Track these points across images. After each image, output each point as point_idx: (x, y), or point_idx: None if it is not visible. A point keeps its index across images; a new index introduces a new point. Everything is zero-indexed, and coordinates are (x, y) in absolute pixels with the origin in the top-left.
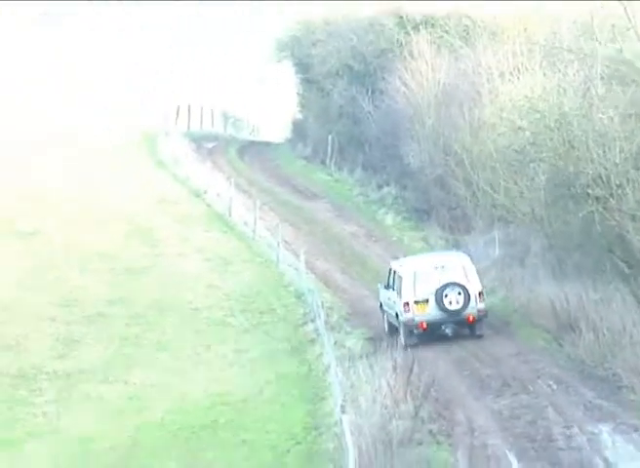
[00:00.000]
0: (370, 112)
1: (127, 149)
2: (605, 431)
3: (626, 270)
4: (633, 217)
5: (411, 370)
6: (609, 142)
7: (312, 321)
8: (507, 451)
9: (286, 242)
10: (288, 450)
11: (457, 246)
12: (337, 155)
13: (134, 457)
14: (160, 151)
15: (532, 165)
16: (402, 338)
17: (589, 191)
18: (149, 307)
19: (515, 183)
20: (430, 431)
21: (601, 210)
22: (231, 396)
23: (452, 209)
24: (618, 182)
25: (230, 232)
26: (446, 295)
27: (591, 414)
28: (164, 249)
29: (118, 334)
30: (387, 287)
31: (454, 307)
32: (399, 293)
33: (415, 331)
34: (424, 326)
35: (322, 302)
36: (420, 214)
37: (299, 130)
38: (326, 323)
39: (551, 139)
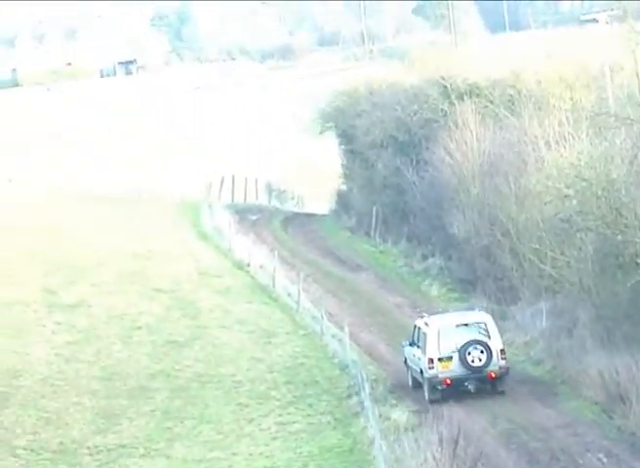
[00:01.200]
0: (414, 183)
1: (170, 219)
2: None
3: None
4: None
5: (456, 443)
6: None
7: (357, 393)
8: None
9: (330, 314)
10: None
11: (503, 317)
12: (381, 226)
13: None
14: (203, 223)
15: (579, 234)
16: (426, 394)
17: (638, 261)
18: (191, 380)
19: (562, 253)
20: None
21: None
22: None
23: (498, 279)
24: None
25: (273, 304)
26: (469, 353)
27: None
28: (206, 321)
29: (160, 408)
30: (412, 344)
31: (476, 364)
32: (423, 351)
33: (438, 387)
34: (448, 382)
35: (366, 374)
36: (466, 284)
37: (343, 201)
38: (370, 395)
39: (599, 207)
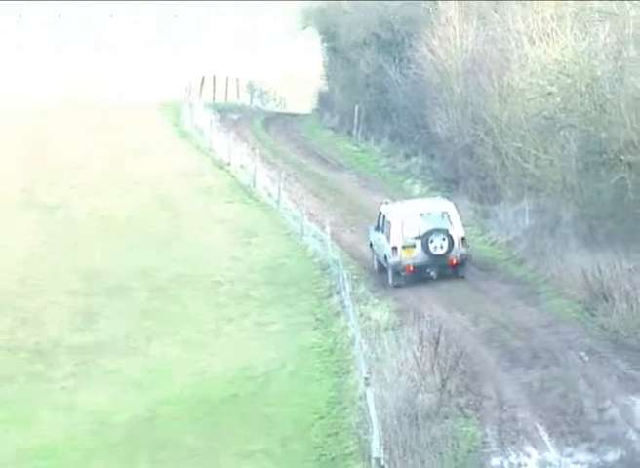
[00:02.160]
0: (397, 81)
1: (150, 120)
2: (639, 403)
3: None
4: None
5: (437, 342)
6: None
7: (337, 293)
8: (537, 425)
9: (311, 213)
10: (311, 425)
11: (486, 216)
12: (363, 125)
13: (151, 432)
14: (183, 122)
15: (562, 132)
16: (390, 279)
17: (622, 157)
18: (171, 280)
19: (545, 152)
20: (458, 405)
21: (634, 176)
22: (253, 370)
23: (480, 178)
24: None
25: (254, 204)
26: (431, 241)
27: (625, 386)
28: (186, 221)
29: (139, 307)
30: (377, 229)
31: (438, 252)
32: (388, 238)
33: (402, 273)
34: (411, 268)
35: (348, 274)
36: (448, 183)
37: (325, 101)
38: (351, 295)
39: (582, 104)
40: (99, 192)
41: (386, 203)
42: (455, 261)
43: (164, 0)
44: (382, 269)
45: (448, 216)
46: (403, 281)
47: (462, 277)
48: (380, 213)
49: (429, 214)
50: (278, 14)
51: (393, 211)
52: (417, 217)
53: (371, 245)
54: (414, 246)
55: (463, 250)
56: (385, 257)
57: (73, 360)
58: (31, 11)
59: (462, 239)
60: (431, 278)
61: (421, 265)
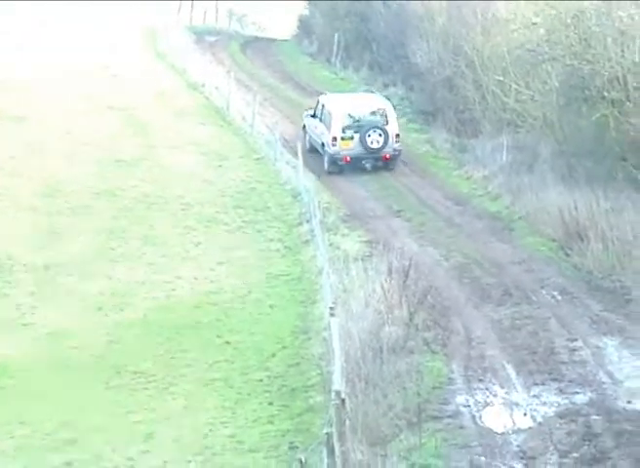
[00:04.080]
0: (379, 10)
1: (126, 42)
2: (611, 345)
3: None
4: None
5: (407, 275)
6: (628, 41)
7: (308, 221)
8: (506, 363)
9: (285, 139)
10: (273, 354)
11: (463, 149)
12: (342, 53)
13: (109, 356)
14: (159, 44)
15: (545, 66)
16: (326, 166)
17: (605, 93)
18: (138, 201)
19: (527, 86)
20: (425, 339)
21: (616, 113)
22: (218, 295)
23: (459, 111)
24: (635, 84)
25: (227, 127)
26: (369, 135)
27: (597, 327)
28: (157, 141)
29: (103, 228)
30: (314, 116)
31: (374, 146)
32: (328, 128)
33: (339, 163)
34: (348, 159)
35: (319, 202)
36: (426, 115)
37: (305, 26)
38: (322, 223)
39: (567, 37)
40: (68, 111)
41: (324, 94)
42: (388, 156)
43: None
44: (313, 150)
45: (385, 114)
46: (338, 169)
47: (392, 169)
48: (319, 102)
49: (369, 109)
50: None
51: (334, 103)
52: (357, 112)
53: (304, 127)
54: (352, 138)
55: (397, 145)
56: (323, 145)
57: (32, 279)
58: None
59: (397, 136)
60: (365, 169)
61: (358, 157)
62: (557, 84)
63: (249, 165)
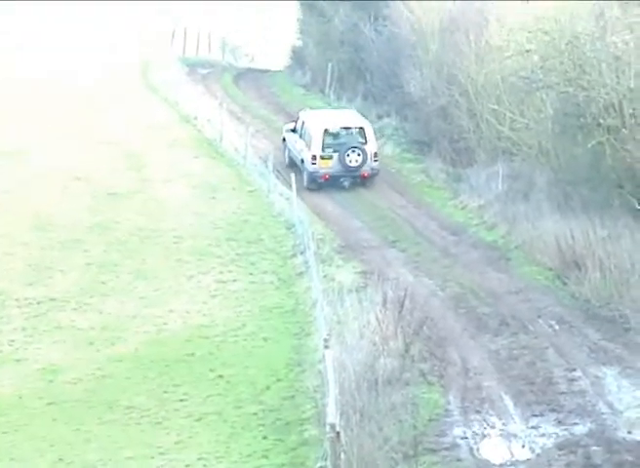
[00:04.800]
0: (372, 39)
1: (119, 74)
2: (610, 375)
3: (637, 206)
4: None
5: (402, 305)
6: (623, 66)
7: (302, 253)
8: (503, 394)
9: (278, 171)
10: (267, 387)
11: (458, 179)
12: (336, 84)
13: (101, 390)
14: (152, 75)
15: (539, 93)
16: (305, 183)
17: (600, 120)
18: (130, 234)
19: (521, 114)
20: (421, 371)
21: (612, 141)
22: (211, 329)
23: (454, 141)
24: (631, 110)
25: (220, 159)
26: (348, 155)
27: (596, 357)
28: (149, 174)
29: (95, 262)
30: (294, 131)
31: (353, 165)
32: (308, 146)
33: (318, 180)
34: (327, 177)
35: (313, 234)
36: (421, 145)
37: (298, 57)
38: (316, 255)
39: (561, 63)
40: (61, 144)
41: (305, 110)
42: (366, 174)
43: None
44: (293, 164)
45: (364, 132)
46: (317, 186)
47: (370, 186)
48: (300, 118)
49: (348, 128)
50: None
51: (315, 121)
52: (336, 131)
53: (284, 140)
54: (331, 157)
55: (375, 164)
56: (302, 161)
57: (24, 314)
58: None
59: (375, 154)
60: (343, 187)
61: (337, 175)
62: (552, 111)
63: (242, 197)
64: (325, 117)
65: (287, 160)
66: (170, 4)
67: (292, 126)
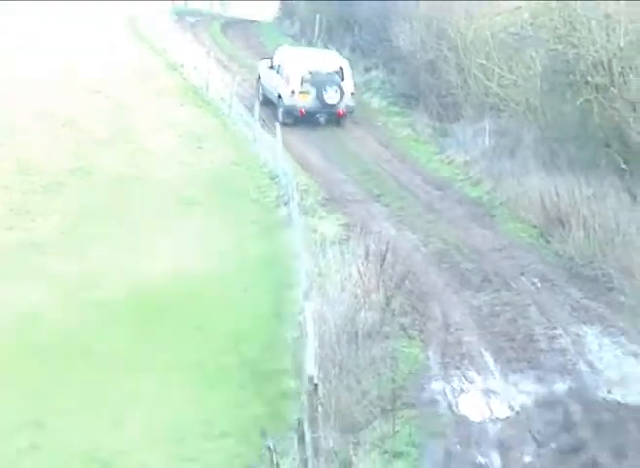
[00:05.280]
0: None
1: (106, 22)
2: (591, 334)
3: (623, 165)
4: (634, 107)
5: (384, 259)
6: (613, 24)
7: (285, 204)
8: (483, 350)
9: (263, 120)
10: (246, 338)
11: (444, 134)
12: (324, 35)
13: (75, 336)
14: (139, 24)
15: (529, 50)
16: (280, 117)
17: (589, 78)
18: (114, 180)
19: (510, 71)
20: (401, 325)
21: (600, 99)
22: (191, 278)
23: (441, 96)
24: (620, 69)
25: (206, 107)
26: (326, 91)
27: (577, 315)
28: (135, 122)
29: (77, 207)
30: (271, 67)
31: (330, 102)
32: (286, 81)
33: (294, 114)
34: (303, 112)
35: (297, 185)
36: (408, 99)
37: (287, 8)
38: (299, 206)
39: (551, 20)
40: (46, 92)
41: (282, 46)
42: (342, 112)
43: None
44: (268, 102)
45: (342, 71)
46: (292, 121)
47: (343, 124)
48: (277, 54)
49: (327, 65)
50: None
51: (293, 57)
52: (316, 67)
53: (259, 78)
54: (309, 92)
55: (351, 103)
56: (279, 96)
57: (2, 258)
58: None
59: (352, 93)
60: (319, 123)
61: (313, 111)
62: (541, 69)
63: (228, 146)
64: (304, 54)
65: (261, 97)
66: None
67: (267, 63)
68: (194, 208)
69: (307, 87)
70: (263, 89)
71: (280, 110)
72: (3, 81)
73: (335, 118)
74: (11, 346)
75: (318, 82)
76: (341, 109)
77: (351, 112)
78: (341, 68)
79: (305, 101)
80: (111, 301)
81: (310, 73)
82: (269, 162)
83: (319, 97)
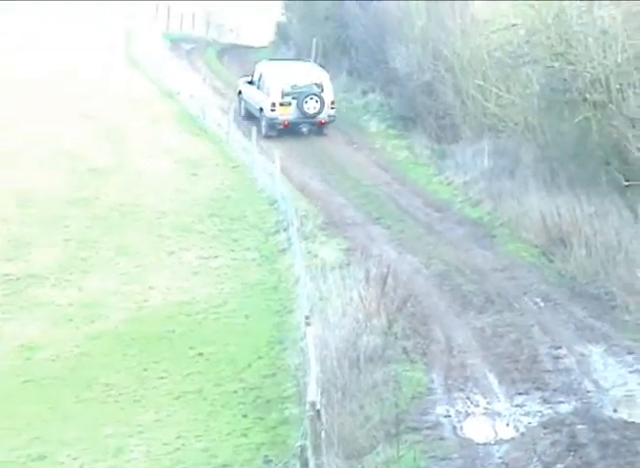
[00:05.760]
0: (357, 15)
1: (100, 49)
2: (596, 353)
3: (623, 182)
4: (633, 124)
5: (385, 282)
6: (610, 41)
7: (285, 230)
8: (488, 372)
9: (261, 146)
10: (248, 365)
11: (443, 155)
12: (321, 59)
13: (80, 368)
14: (134, 50)
15: (525, 69)
16: (263, 130)
17: (587, 96)
18: (111, 209)
19: (507, 90)
20: (404, 348)
21: (599, 116)
22: (192, 306)
23: (439, 117)
24: (618, 85)
25: (203, 135)
26: (306, 102)
27: (581, 335)
28: (131, 149)
29: (75, 237)
30: (251, 83)
31: (311, 112)
32: (267, 94)
33: (277, 127)
34: (286, 123)
35: (296, 210)
36: (406, 121)
37: (282, 33)
38: (299, 231)
39: (548, 38)
40: (42, 118)
41: (262, 62)
42: (323, 121)
43: None
44: (250, 117)
45: (321, 82)
46: (276, 133)
47: (325, 134)
48: (258, 70)
49: (306, 77)
50: None
51: (273, 70)
52: (295, 80)
53: (240, 93)
54: (290, 104)
55: (331, 112)
56: (261, 110)
57: (2, 290)
58: None
59: (332, 102)
60: (302, 133)
61: (295, 122)
62: (538, 87)
63: (225, 173)
64: (283, 67)
65: (243, 112)
66: None
67: (247, 79)
68: (192, 235)
69: (288, 99)
70: (245, 104)
71: (263, 123)
72: (3, 81)
73: (317, 128)
74: (11, 378)
75: (298, 93)
76: (323, 119)
77: (332, 121)
78: (320, 79)
79: (287, 113)
80: (111, 331)
81: (290, 86)
82: (268, 187)
83: (300, 108)
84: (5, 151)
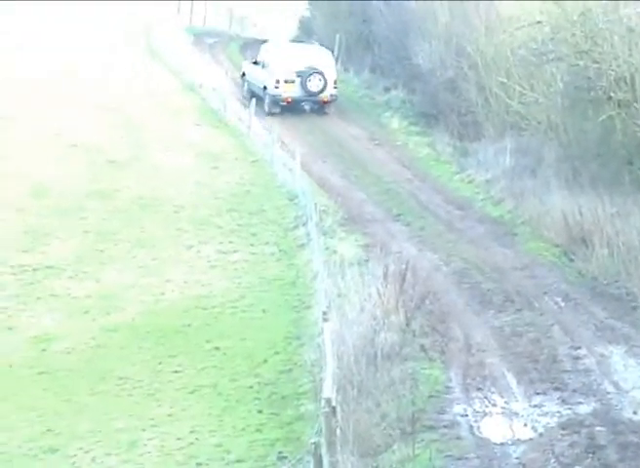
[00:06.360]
0: (381, 11)
1: (122, 41)
2: (616, 353)
3: None
4: None
5: (404, 279)
6: (636, 39)
7: (304, 225)
8: (506, 371)
9: (282, 142)
10: (264, 360)
11: (465, 153)
12: (344, 55)
13: (95, 360)
14: (157, 43)
15: (549, 67)
16: (266, 107)
17: (611, 94)
18: (130, 202)
19: (531, 88)
20: (422, 346)
21: (623, 115)
22: (209, 300)
23: (462, 114)
24: None
25: (224, 128)
26: (310, 80)
27: (602, 335)
28: (151, 142)
29: (93, 229)
30: (256, 63)
31: (314, 90)
32: (271, 73)
33: (280, 104)
34: (289, 100)
35: (316, 205)
36: (428, 118)
37: (306, 28)
38: (318, 227)
39: (573, 35)
40: (60, 112)
41: (267, 41)
42: (326, 100)
43: None
44: (253, 96)
45: (325, 61)
46: (279, 110)
47: (327, 113)
48: (264, 48)
49: (310, 56)
50: None
51: (277, 49)
52: (299, 58)
53: (243, 75)
54: (293, 82)
55: (334, 91)
56: (265, 88)
57: (19, 281)
58: None
59: (335, 82)
60: (304, 110)
61: (298, 99)
62: (562, 85)
63: (245, 167)
64: (288, 46)
65: (246, 92)
66: None
67: (251, 61)
68: (211, 229)
69: (292, 76)
70: (248, 84)
71: (266, 101)
72: (16, 101)
73: (319, 106)
74: (25, 370)
75: (302, 71)
76: (325, 97)
77: (334, 100)
78: (325, 59)
79: (291, 90)
80: (127, 324)
81: (294, 64)
82: (287, 182)
83: (303, 86)
84: (22, 143)
